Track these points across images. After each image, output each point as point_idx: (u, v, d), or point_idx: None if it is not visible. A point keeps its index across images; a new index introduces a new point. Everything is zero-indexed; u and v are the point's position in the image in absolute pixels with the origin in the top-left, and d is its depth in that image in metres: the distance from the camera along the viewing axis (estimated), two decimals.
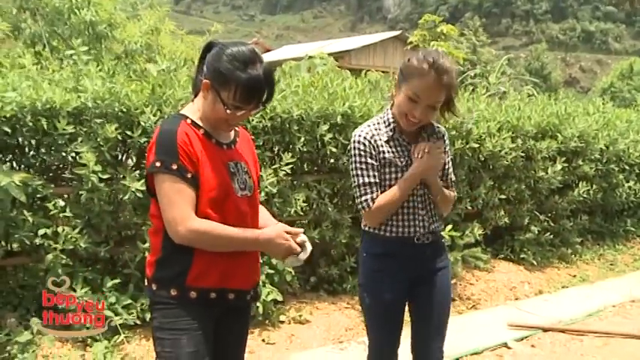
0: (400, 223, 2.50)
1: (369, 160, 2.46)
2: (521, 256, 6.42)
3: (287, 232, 2.10)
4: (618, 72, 37.42)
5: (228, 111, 2.00)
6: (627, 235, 8.05)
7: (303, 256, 2.13)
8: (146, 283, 2.12)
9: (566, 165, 6.47)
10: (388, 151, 2.46)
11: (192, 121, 2.08)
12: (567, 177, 6.68)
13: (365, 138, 2.47)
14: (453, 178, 2.68)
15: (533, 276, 6.25)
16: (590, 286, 6.14)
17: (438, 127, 2.61)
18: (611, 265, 7.05)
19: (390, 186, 2.46)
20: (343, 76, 5.44)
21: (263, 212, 2.35)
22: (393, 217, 2.51)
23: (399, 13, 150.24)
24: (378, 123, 2.53)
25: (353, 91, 4.88)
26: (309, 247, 2.15)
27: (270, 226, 2.14)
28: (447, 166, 2.61)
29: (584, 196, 6.75)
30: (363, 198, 2.47)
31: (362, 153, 2.46)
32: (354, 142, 2.49)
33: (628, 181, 7.61)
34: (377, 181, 2.47)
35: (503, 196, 6.11)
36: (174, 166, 1.95)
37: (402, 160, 2.46)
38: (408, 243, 2.51)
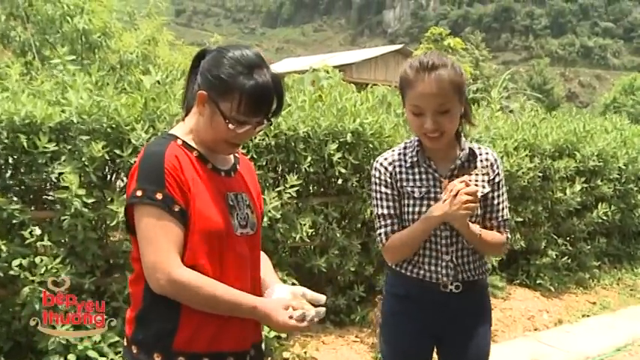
0: (421, 265, 2.14)
1: (383, 189, 2.16)
2: (538, 281, 6.06)
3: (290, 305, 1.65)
4: (620, 87, 37.30)
5: (230, 126, 1.62)
6: None
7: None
8: (125, 343, 1.72)
9: (585, 185, 6.13)
10: (408, 179, 2.13)
11: (184, 142, 1.70)
12: (585, 198, 6.33)
13: (382, 164, 2.17)
14: (506, 217, 2.21)
15: (551, 303, 5.87)
16: (612, 315, 5.77)
17: (485, 152, 2.19)
18: (632, 290, 6.71)
19: (409, 220, 2.12)
20: (352, 91, 5.09)
21: (264, 262, 1.94)
22: (415, 257, 2.15)
23: (399, 28, 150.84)
24: (405, 147, 2.19)
25: (364, 106, 4.51)
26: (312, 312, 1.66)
27: (272, 298, 1.72)
28: (495, 202, 2.18)
29: (603, 217, 6.40)
30: (378, 231, 2.19)
31: (377, 181, 2.18)
32: (372, 168, 2.21)
33: None
34: (392, 212, 2.15)
35: (519, 219, 5.75)
36: (159, 196, 1.58)
37: (421, 190, 2.10)
38: (433, 289, 2.13)
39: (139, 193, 1.59)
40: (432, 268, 2.12)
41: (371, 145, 4.47)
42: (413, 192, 2.11)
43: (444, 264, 2.11)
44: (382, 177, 2.16)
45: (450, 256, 2.12)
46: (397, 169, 2.15)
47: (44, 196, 3.53)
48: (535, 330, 5.24)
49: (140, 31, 6.90)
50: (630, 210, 7.11)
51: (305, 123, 4.14)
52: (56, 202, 3.34)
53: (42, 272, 3.16)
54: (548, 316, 5.58)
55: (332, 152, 4.20)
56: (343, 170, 4.28)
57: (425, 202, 2.09)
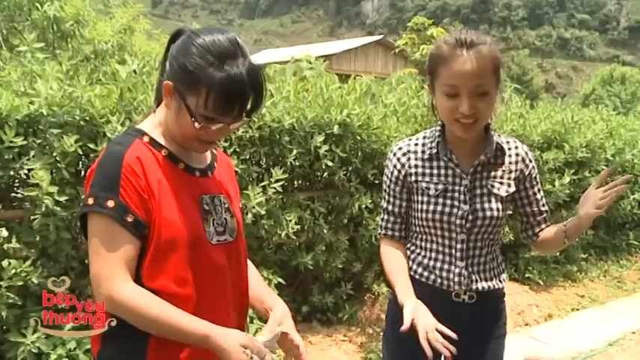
0: (432, 270, 1.96)
1: (391, 185, 2.00)
2: (526, 275, 5.98)
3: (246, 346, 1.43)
4: (600, 78, 37.52)
5: (196, 124, 1.41)
6: (630, 249, 7.69)
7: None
8: None
9: (574, 177, 6.04)
10: (424, 174, 1.93)
11: (152, 138, 1.50)
12: (573, 189, 6.23)
13: (395, 155, 1.99)
14: (545, 208, 2.04)
15: (541, 297, 5.78)
16: (601, 309, 5.71)
17: (515, 146, 1.98)
18: (618, 282, 6.67)
19: (422, 219, 1.93)
20: (337, 81, 4.91)
21: (254, 279, 1.75)
22: (426, 260, 1.98)
23: (378, 19, 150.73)
24: (424, 137, 2.00)
25: (351, 97, 4.33)
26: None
27: (230, 331, 1.45)
28: (537, 196, 2.01)
29: None
30: (379, 224, 2.05)
31: (387, 173, 2.02)
32: (388, 155, 2.04)
33: (633, 193, 7.21)
34: (393, 209, 2.00)
35: (508, 212, 5.62)
36: (111, 204, 1.39)
37: (437, 187, 1.91)
38: (445, 297, 1.94)
39: (90, 200, 1.41)
40: (445, 274, 1.94)
41: (359, 137, 4.30)
42: (428, 188, 1.92)
43: (457, 271, 1.93)
44: (393, 170, 1.99)
45: (464, 262, 1.93)
46: (412, 162, 1.96)
47: (12, 194, 3.29)
48: (526, 325, 5.15)
49: (115, 19, 6.62)
50: (616, 201, 7.03)
51: (290, 114, 3.95)
52: (25, 201, 3.12)
53: (10, 276, 2.94)
54: (538, 311, 5.49)
55: (318, 145, 4.02)
56: (330, 163, 4.10)
57: (440, 200, 1.90)
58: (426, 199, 1.92)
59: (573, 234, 1.91)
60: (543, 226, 2.03)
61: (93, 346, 1.53)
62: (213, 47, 1.40)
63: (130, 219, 1.40)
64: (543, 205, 2.03)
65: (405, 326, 1.66)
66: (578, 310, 5.66)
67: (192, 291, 1.48)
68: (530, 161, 1.99)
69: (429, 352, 1.61)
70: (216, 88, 1.38)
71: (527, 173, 1.97)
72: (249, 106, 1.46)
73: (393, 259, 1.99)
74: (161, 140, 1.52)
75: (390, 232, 2.03)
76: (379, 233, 2.07)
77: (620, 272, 6.96)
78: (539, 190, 2.02)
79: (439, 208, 1.90)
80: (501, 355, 2.07)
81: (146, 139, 1.50)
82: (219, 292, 1.55)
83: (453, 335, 1.65)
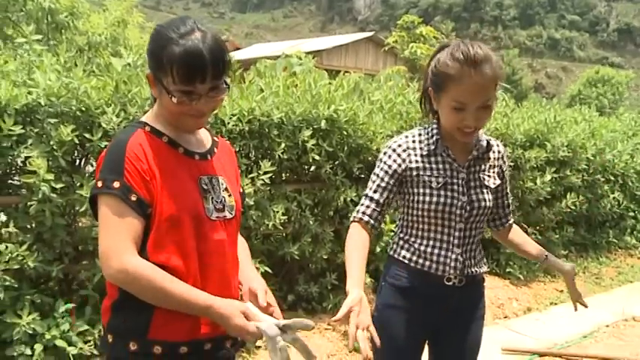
0: (428, 256, 2.09)
1: (386, 177, 2.07)
2: (507, 270, 6.15)
3: (246, 314, 1.59)
4: (585, 79, 37.99)
5: (173, 99, 1.56)
6: (609, 247, 7.87)
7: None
8: (102, 333, 1.68)
9: (555, 175, 6.22)
10: (425, 168, 2.06)
11: (153, 128, 1.65)
12: (554, 187, 6.42)
13: (395, 151, 2.09)
14: (509, 203, 2.27)
15: (520, 292, 5.96)
16: None
17: (496, 144, 2.19)
18: (597, 278, 6.84)
19: (424, 210, 2.04)
20: (326, 77, 5.04)
21: (244, 262, 1.88)
22: (422, 248, 2.10)
23: (370, 15, 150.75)
24: (420, 134, 2.12)
25: (338, 93, 4.46)
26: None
27: (229, 300, 1.62)
28: (506, 191, 2.23)
29: (571, 207, 6.51)
30: (357, 207, 2.10)
31: (384, 166, 2.08)
32: (383, 150, 2.12)
33: (613, 192, 7.41)
34: (379, 199, 2.06)
35: None
36: (117, 185, 1.54)
37: (438, 180, 2.04)
38: (437, 282, 2.09)
39: (99, 184, 1.56)
40: (441, 259, 2.08)
41: (345, 132, 4.43)
42: (430, 182, 2.04)
43: (454, 257, 2.07)
44: (391, 164, 2.07)
45: (460, 249, 2.08)
46: (413, 157, 2.07)
47: (9, 181, 3.40)
48: (505, 318, 5.31)
49: (109, 12, 6.72)
50: (597, 200, 7.24)
51: (279, 109, 4.08)
52: (22, 187, 3.24)
53: (7, 260, 3.06)
54: (518, 304, 5.66)
55: (306, 139, 4.15)
56: (317, 157, 4.23)
57: (442, 192, 2.03)
58: (428, 191, 2.04)
59: (548, 267, 2.29)
60: (509, 217, 2.28)
61: (103, 317, 1.67)
62: (171, 30, 1.56)
63: (133, 198, 1.54)
64: (509, 199, 2.26)
65: (338, 316, 1.68)
66: (556, 304, 5.82)
67: (194, 264, 1.62)
68: (506, 158, 2.21)
69: (351, 344, 1.66)
70: (177, 61, 1.53)
71: (504, 169, 2.19)
72: (212, 71, 1.56)
73: (356, 245, 1.99)
74: (161, 129, 1.66)
75: (366, 218, 2.06)
76: (354, 217, 2.08)
77: (599, 269, 7.13)
78: (507, 186, 2.24)
79: (441, 199, 2.03)
80: (481, 334, 2.25)
81: (147, 128, 1.65)
82: (220, 265, 1.69)
83: (377, 342, 1.69)
